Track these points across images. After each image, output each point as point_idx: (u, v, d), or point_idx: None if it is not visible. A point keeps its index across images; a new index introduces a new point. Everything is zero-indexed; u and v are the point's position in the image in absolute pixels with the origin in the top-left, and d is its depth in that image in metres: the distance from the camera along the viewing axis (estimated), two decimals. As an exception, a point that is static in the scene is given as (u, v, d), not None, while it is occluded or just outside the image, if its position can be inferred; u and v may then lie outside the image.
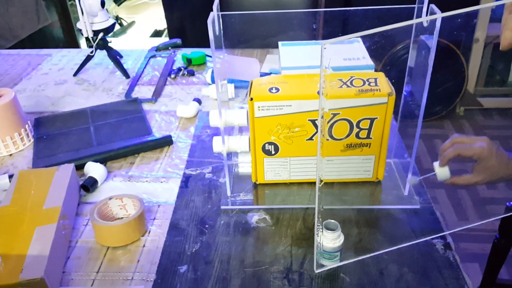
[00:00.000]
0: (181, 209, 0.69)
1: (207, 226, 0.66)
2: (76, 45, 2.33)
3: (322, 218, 0.66)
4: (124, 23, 2.91)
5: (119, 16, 2.92)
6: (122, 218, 0.69)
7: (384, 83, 0.64)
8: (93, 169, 0.77)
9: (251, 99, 0.63)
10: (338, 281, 0.56)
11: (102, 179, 0.76)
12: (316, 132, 0.65)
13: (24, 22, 1.91)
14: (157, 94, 1.05)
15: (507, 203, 1.05)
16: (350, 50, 0.72)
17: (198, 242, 0.63)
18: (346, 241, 0.58)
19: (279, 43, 0.75)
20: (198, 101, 0.97)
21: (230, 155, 0.77)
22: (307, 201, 0.69)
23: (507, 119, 2.37)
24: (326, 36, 0.78)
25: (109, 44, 1.16)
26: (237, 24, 0.70)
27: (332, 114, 0.64)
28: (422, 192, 0.71)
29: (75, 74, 1.16)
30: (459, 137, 0.68)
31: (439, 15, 0.48)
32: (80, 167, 0.78)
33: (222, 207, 0.69)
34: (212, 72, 1.06)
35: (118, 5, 2.86)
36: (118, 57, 1.19)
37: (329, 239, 0.56)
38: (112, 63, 1.17)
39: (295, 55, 0.72)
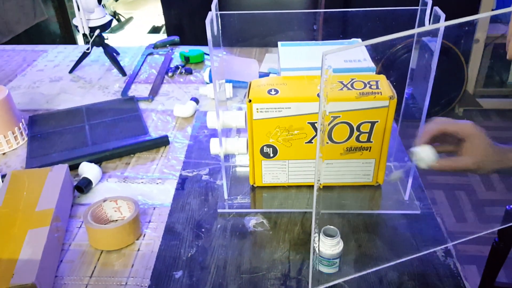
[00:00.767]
0: (177, 212, 0.68)
1: (203, 230, 0.65)
2: (73, 41, 2.31)
3: (320, 223, 0.65)
4: (122, 19, 2.89)
5: (117, 11, 2.90)
6: (116, 220, 0.67)
7: (385, 86, 0.63)
8: (88, 169, 0.75)
9: (250, 100, 0.62)
10: (336, 288, 0.55)
11: (96, 180, 0.75)
12: (315, 135, 0.64)
13: (20, 17, 1.89)
14: (154, 92, 1.04)
15: (507, 207, 1.04)
16: (351, 51, 0.71)
17: (194, 247, 0.62)
18: (345, 247, 0.57)
19: (279, 43, 0.74)
20: (196, 100, 0.96)
21: (227, 156, 0.76)
22: (306, 205, 0.68)
23: (506, 120, 2.36)
24: (326, 37, 0.77)
25: (106, 41, 1.14)
26: (236, 23, 0.69)
27: (332, 117, 0.62)
28: (422, 197, 0.70)
29: (70, 71, 1.14)
30: (441, 118, 0.62)
31: (442, 24, 0.47)
32: (74, 167, 0.77)
33: (219, 210, 0.68)
34: (210, 71, 1.05)
35: (116, 1, 2.84)
36: (114, 54, 1.17)
37: (327, 246, 0.55)
38: (108, 60, 1.15)
39: (295, 56, 0.70)
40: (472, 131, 0.58)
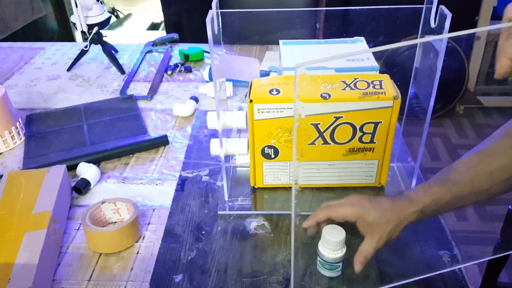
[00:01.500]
0: (177, 213, 0.67)
1: (203, 232, 0.64)
2: (71, 38, 2.29)
3: (322, 223, 0.64)
4: (121, 15, 2.87)
5: (116, 8, 2.88)
6: (115, 222, 0.66)
7: (389, 86, 0.62)
8: (86, 170, 0.74)
9: (251, 101, 0.60)
10: (339, 292, 0.54)
11: (95, 181, 0.74)
12: (319, 136, 0.63)
13: (18, 14, 1.87)
14: (153, 91, 1.02)
15: (510, 206, 1.03)
16: (354, 50, 0.70)
17: (194, 250, 0.61)
18: (348, 249, 0.56)
19: (280, 41, 0.73)
20: (195, 99, 0.95)
21: (228, 157, 0.74)
22: (308, 208, 0.67)
23: (506, 118, 2.35)
24: (328, 36, 0.76)
25: (104, 39, 1.13)
26: (236, 21, 0.67)
27: (334, 117, 0.61)
28: (425, 198, 0.69)
29: (68, 69, 1.13)
30: (329, 202, 0.56)
31: (446, 35, 0.46)
32: (72, 168, 0.76)
33: (219, 212, 0.67)
34: (210, 69, 1.04)
35: (115, -3, 2.82)
36: (113, 52, 1.16)
37: (330, 250, 0.54)
38: (107, 58, 1.14)
39: (297, 55, 0.69)
40: (357, 210, 0.52)
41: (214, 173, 0.75)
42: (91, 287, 0.56)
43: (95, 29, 1.08)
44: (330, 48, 0.71)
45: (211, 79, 1.03)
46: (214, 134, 0.85)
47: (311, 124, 0.61)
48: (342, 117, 0.61)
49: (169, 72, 1.10)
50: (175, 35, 1.26)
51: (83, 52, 1.12)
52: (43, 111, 0.95)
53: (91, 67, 1.14)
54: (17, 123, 0.85)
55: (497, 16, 2.05)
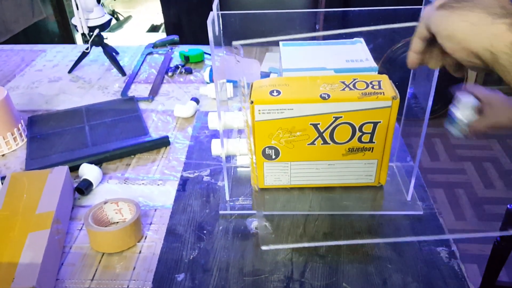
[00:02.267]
0: (178, 213, 0.68)
1: (205, 231, 0.64)
2: (72, 40, 2.30)
3: (322, 222, 0.65)
4: (121, 18, 2.88)
5: (116, 10, 2.89)
6: (117, 222, 0.67)
7: (387, 86, 0.63)
8: (88, 171, 0.75)
9: (252, 102, 0.61)
10: (340, 290, 0.55)
11: (97, 182, 0.74)
12: (318, 136, 0.63)
13: (18, 16, 1.88)
14: (154, 92, 1.03)
15: (508, 205, 1.04)
16: (353, 51, 0.70)
17: (195, 249, 0.61)
18: (347, 246, 0.57)
19: (280, 43, 0.73)
20: (196, 100, 0.95)
21: (228, 157, 0.75)
22: (308, 208, 0.67)
23: (505, 118, 2.35)
24: (327, 37, 0.76)
25: (105, 41, 1.13)
26: (237, 23, 0.68)
27: (334, 117, 0.62)
28: (425, 197, 0.69)
29: (70, 71, 1.14)
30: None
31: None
32: (74, 169, 0.76)
33: (221, 212, 0.67)
34: (211, 70, 1.04)
35: (114, -1, 2.83)
36: (114, 53, 1.17)
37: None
38: (108, 60, 1.14)
39: (297, 56, 0.70)
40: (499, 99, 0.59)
41: (215, 173, 0.76)
42: (94, 286, 0.57)
43: (96, 31, 1.09)
44: (329, 49, 0.72)
45: (211, 80, 1.04)
46: (214, 134, 0.86)
47: (310, 124, 0.62)
48: (341, 117, 0.62)
49: (169, 74, 1.11)
50: (176, 37, 1.27)
51: (84, 54, 1.13)
52: (45, 112, 0.96)
53: (92, 69, 1.15)
54: (19, 125, 0.86)
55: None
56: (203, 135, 0.86)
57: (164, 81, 1.08)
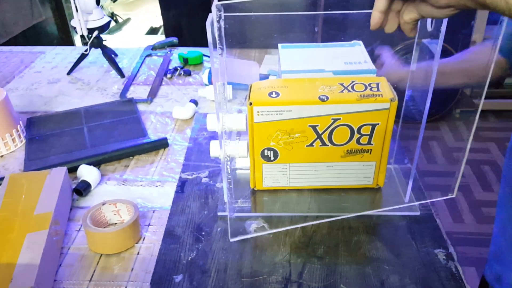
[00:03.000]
0: (177, 215, 0.68)
1: (203, 233, 0.64)
2: (71, 42, 2.30)
3: (320, 224, 0.65)
4: (120, 20, 2.89)
5: (115, 12, 2.89)
6: (116, 224, 0.67)
7: (386, 88, 0.63)
8: (86, 172, 0.75)
9: (251, 103, 0.61)
10: (338, 292, 0.55)
11: (95, 183, 0.74)
12: (317, 138, 0.64)
13: (18, 18, 1.88)
14: (152, 94, 1.03)
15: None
16: (351, 53, 0.71)
17: (194, 250, 0.61)
18: (344, 248, 0.57)
19: (279, 45, 0.74)
20: (195, 102, 0.96)
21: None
22: (307, 209, 0.67)
23: (502, 121, 2.37)
24: (326, 39, 0.77)
25: (104, 43, 1.14)
26: (236, 25, 0.68)
27: (332, 119, 0.62)
28: (422, 199, 0.70)
29: (69, 73, 1.14)
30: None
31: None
32: (73, 170, 0.76)
33: (219, 213, 0.67)
34: (209, 72, 1.05)
35: (114, 1, 2.83)
36: (113, 55, 1.17)
37: None
38: (107, 61, 1.14)
39: (296, 58, 0.70)
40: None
41: (214, 175, 0.76)
42: (92, 287, 0.57)
43: (95, 33, 1.09)
44: (328, 51, 0.72)
45: (210, 82, 1.04)
46: (213, 136, 0.86)
47: (309, 126, 0.62)
48: (340, 119, 0.62)
49: (168, 76, 1.11)
50: (175, 39, 1.27)
51: (83, 56, 1.13)
52: (44, 114, 0.96)
53: (91, 70, 1.15)
54: (18, 126, 0.86)
55: (492, 20, 2.07)
56: (202, 137, 0.87)
57: (163, 83, 1.09)
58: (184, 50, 1.20)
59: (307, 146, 0.64)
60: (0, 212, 0.62)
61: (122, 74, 1.11)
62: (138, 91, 1.05)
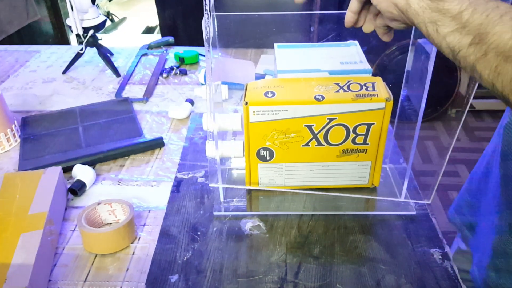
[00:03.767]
0: (172, 215, 0.67)
1: (199, 233, 0.64)
2: (66, 41, 2.29)
3: (316, 223, 0.65)
4: (116, 19, 2.88)
5: (111, 11, 2.88)
6: (111, 223, 0.67)
7: (381, 88, 0.63)
8: (81, 172, 0.74)
9: (246, 103, 0.61)
10: (333, 291, 0.55)
11: (90, 183, 0.74)
12: (312, 138, 0.64)
13: (13, 17, 1.87)
14: (148, 93, 1.03)
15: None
16: (347, 53, 0.71)
17: (189, 250, 0.61)
18: (340, 248, 0.56)
19: (275, 45, 0.74)
20: (191, 101, 0.95)
21: (223, 159, 0.75)
22: (302, 208, 0.67)
23: (498, 121, 2.38)
24: (322, 39, 0.77)
25: (100, 42, 1.13)
26: (232, 24, 0.68)
27: (328, 119, 0.62)
28: (418, 198, 0.70)
29: (64, 72, 1.13)
30: None
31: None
32: (68, 170, 0.76)
33: (215, 213, 0.67)
34: (206, 72, 1.04)
35: (110, 1, 2.82)
36: (108, 54, 1.16)
37: None
38: (102, 61, 1.14)
39: (291, 58, 0.70)
40: None
41: (210, 175, 0.76)
42: (87, 287, 0.57)
43: (91, 32, 1.08)
44: (324, 51, 0.72)
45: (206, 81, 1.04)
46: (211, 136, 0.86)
47: (305, 125, 0.62)
48: (335, 118, 0.62)
49: (164, 75, 1.10)
50: (171, 38, 1.27)
51: (78, 55, 1.13)
52: (39, 113, 0.95)
53: (87, 70, 1.15)
54: (13, 125, 0.85)
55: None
56: (198, 137, 0.86)
57: (159, 82, 1.08)
58: (180, 49, 1.19)
59: (302, 146, 0.64)
60: (-6, 212, 0.62)
61: (117, 74, 1.11)
62: (133, 91, 1.04)
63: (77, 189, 0.71)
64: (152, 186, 0.74)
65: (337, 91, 0.62)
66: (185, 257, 0.60)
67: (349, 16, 0.56)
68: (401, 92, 0.70)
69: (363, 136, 0.64)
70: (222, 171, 0.71)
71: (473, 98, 0.66)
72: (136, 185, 0.75)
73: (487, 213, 0.68)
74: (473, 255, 0.72)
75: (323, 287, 0.56)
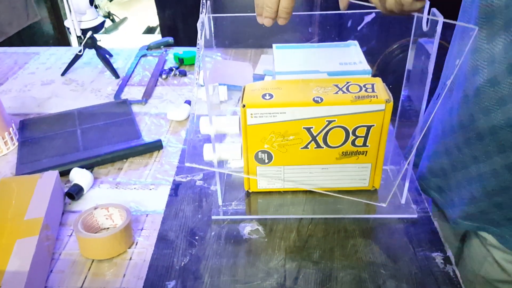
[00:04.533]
0: (170, 219, 0.67)
1: (197, 237, 0.63)
2: (67, 42, 2.29)
3: (315, 227, 0.64)
4: (116, 19, 2.87)
5: (111, 12, 2.88)
6: (108, 228, 0.66)
7: (381, 89, 0.62)
8: (79, 175, 0.74)
9: (244, 105, 0.60)
10: (333, 297, 0.54)
11: (88, 186, 0.73)
12: (311, 140, 0.63)
13: (13, 19, 1.87)
14: (147, 95, 1.02)
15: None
16: (346, 54, 0.70)
17: (187, 255, 0.60)
18: (340, 252, 0.56)
19: (273, 45, 0.73)
20: (190, 103, 0.94)
21: (221, 162, 0.74)
22: (302, 211, 0.66)
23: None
24: (321, 39, 0.76)
25: (100, 43, 1.13)
26: (230, 25, 0.67)
27: (327, 121, 0.61)
28: (419, 201, 0.69)
29: (62, 74, 1.12)
30: None
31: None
32: (65, 173, 0.75)
33: (213, 217, 0.66)
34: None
35: (110, 1, 2.82)
36: (107, 56, 1.16)
37: None
38: (101, 62, 1.13)
39: (290, 59, 0.69)
40: None
41: (208, 178, 0.75)
42: (84, 294, 0.56)
43: (89, 33, 1.08)
44: (323, 52, 0.71)
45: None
46: (208, 138, 0.85)
47: (304, 128, 0.61)
48: (334, 120, 0.61)
49: (163, 76, 1.10)
50: (170, 39, 1.26)
51: (77, 57, 1.12)
52: (37, 116, 0.95)
53: (85, 71, 1.14)
54: (10, 129, 0.85)
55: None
56: (197, 139, 0.85)
57: (158, 83, 1.08)
58: (180, 50, 1.18)
59: (301, 148, 0.63)
60: (-11, 217, 0.61)
61: (116, 75, 1.10)
62: (132, 92, 1.04)
63: (75, 193, 0.71)
64: (150, 189, 0.74)
65: (336, 92, 0.61)
66: (183, 263, 0.59)
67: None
68: (402, 92, 0.69)
69: (363, 138, 0.63)
70: (220, 174, 0.70)
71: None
72: (134, 188, 0.74)
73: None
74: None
75: (323, 292, 0.55)
